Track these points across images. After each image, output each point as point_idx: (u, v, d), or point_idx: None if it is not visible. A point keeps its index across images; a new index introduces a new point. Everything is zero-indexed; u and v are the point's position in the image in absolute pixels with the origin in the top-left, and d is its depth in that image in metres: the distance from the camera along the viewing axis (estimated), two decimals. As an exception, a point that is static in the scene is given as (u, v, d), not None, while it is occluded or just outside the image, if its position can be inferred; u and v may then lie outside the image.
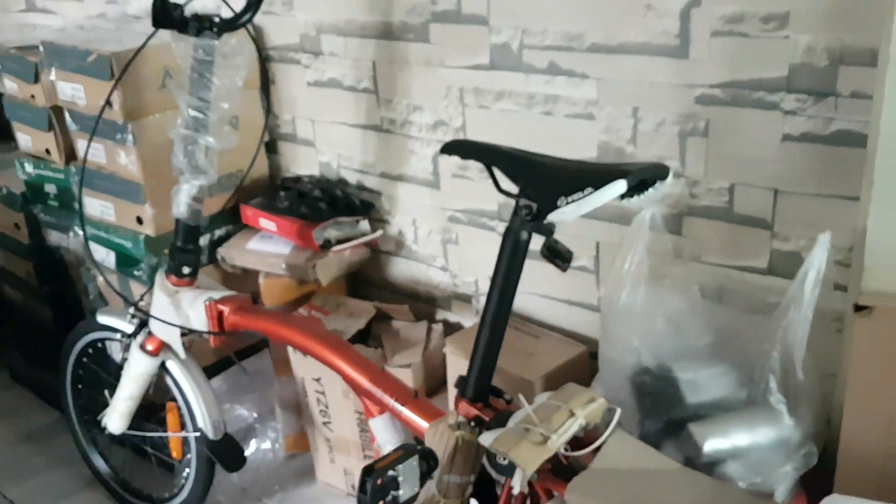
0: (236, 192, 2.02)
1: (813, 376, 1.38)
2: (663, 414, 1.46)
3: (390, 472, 1.24)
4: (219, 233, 2.14)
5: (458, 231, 1.95)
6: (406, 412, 1.45)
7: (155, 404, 1.96)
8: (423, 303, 2.10)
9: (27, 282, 2.47)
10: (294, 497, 2.08)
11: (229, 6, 1.69)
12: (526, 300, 1.87)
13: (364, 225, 2.04)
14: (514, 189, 1.24)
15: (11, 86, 2.22)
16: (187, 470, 1.93)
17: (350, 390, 1.61)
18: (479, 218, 1.89)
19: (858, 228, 1.27)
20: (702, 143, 1.49)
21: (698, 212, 1.54)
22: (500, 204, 1.84)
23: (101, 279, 2.17)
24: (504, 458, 1.23)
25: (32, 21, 2.84)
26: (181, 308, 1.73)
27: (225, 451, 1.86)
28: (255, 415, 2.11)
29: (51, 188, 2.26)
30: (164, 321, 1.74)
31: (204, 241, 2.08)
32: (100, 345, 2.00)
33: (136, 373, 1.83)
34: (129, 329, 1.84)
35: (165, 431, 1.91)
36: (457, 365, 1.77)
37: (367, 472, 1.22)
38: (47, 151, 2.21)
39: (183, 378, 1.83)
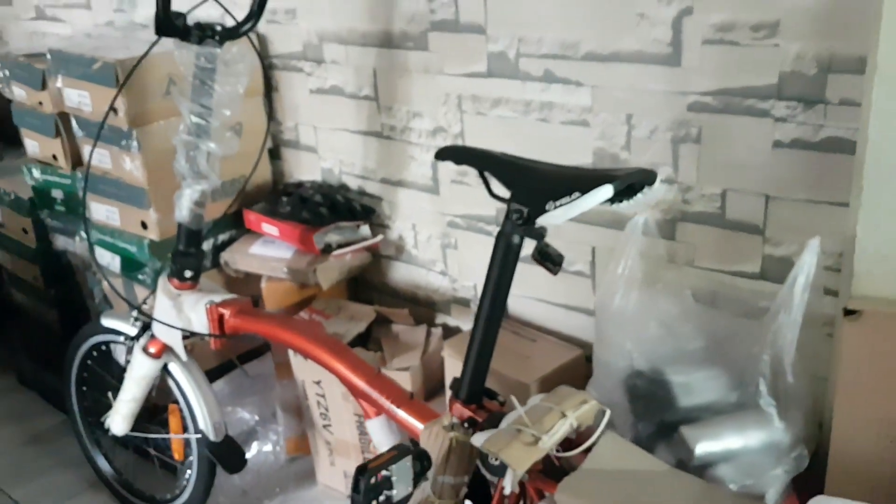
0: (238, 197, 2.05)
1: (803, 380, 1.39)
2: (656, 417, 1.48)
3: (384, 472, 1.27)
4: (222, 237, 2.17)
5: (457, 236, 1.97)
6: (401, 414, 1.48)
7: (158, 406, 1.99)
8: (423, 307, 2.12)
9: (34, 286, 2.51)
10: (294, 499, 2.10)
11: (232, 16, 1.73)
12: (523, 304, 1.90)
13: (365, 230, 2.06)
14: (506, 194, 1.26)
15: (20, 93, 2.26)
16: (189, 471, 1.96)
17: (349, 393, 1.64)
18: (477, 223, 1.91)
19: (848, 234, 1.29)
20: (694, 149, 1.51)
21: (691, 217, 1.56)
22: (498, 209, 1.86)
23: (105, 283, 2.20)
24: (495, 459, 1.25)
25: (42, 29, 2.88)
26: (183, 311, 1.76)
27: (226, 453, 1.89)
28: (256, 417, 2.13)
29: (58, 193, 2.30)
30: (166, 324, 1.77)
31: (208, 245, 2.11)
32: (104, 348, 2.03)
33: (138, 375, 1.86)
34: (133, 332, 1.87)
35: (168, 433, 1.94)
36: (455, 368, 1.79)
37: (361, 471, 1.24)
38: (54, 157, 2.25)
39: (184, 380, 1.85)
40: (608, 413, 1.25)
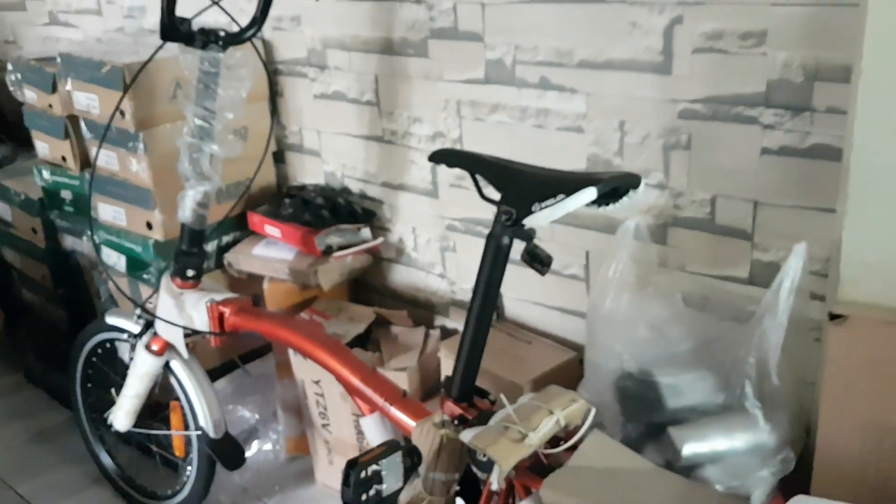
0: (241, 199, 2.09)
1: (789, 383, 1.41)
2: (644, 417, 1.50)
3: (374, 467, 1.29)
4: (226, 239, 2.21)
5: (456, 239, 2.00)
6: (394, 411, 1.51)
7: (160, 404, 2.03)
8: (422, 309, 2.15)
9: (43, 285, 2.55)
10: (293, 498, 2.13)
11: (236, 21, 1.77)
12: (519, 307, 1.93)
13: (365, 232, 2.10)
14: (496, 197, 1.30)
15: (31, 95, 2.31)
16: (189, 468, 1.99)
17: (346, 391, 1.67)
18: (475, 226, 1.95)
19: (834, 240, 1.31)
20: (685, 155, 1.54)
21: (682, 222, 1.58)
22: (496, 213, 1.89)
23: (110, 282, 2.24)
24: (483, 455, 1.28)
25: (55, 34, 2.94)
26: (185, 309, 1.80)
27: (225, 450, 1.92)
28: (256, 416, 2.17)
29: (66, 194, 2.34)
30: (168, 321, 1.81)
31: (212, 246, 2.16)
32: (108, 345, 2.07)
33: (141, 372, 1.90)
34: (136, 330, 1.91)
35: (169, 430, 1.98)
36: (451, 369, 1.82)
37: (351, 465, 1.27)
38: (63, 159, 2.29)
39: (186, 378, 1.89)
40: (593, 411, 1.28)
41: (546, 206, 1.17)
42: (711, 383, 1.45)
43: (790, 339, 1.40)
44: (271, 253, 2.11)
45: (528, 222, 1.22)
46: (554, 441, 1.31)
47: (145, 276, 2.14)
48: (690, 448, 1.43)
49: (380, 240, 2.11)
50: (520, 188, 1.22)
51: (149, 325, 1.89)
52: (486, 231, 1.91)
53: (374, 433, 1.56)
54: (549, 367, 1.74)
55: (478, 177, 1.31)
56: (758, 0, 1.37)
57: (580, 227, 1.74)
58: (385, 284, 2.22)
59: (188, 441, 1.97)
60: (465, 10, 1.76)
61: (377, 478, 1.30)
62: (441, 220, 2.01)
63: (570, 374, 1.76)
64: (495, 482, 1.26)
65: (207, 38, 1.62)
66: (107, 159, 2.07)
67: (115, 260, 2.21)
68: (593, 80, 1.62)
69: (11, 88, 2.36)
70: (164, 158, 1.99)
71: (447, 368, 1.85)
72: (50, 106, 2.26)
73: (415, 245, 2.11)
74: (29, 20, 3.04)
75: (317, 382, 1.98)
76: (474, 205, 1.92)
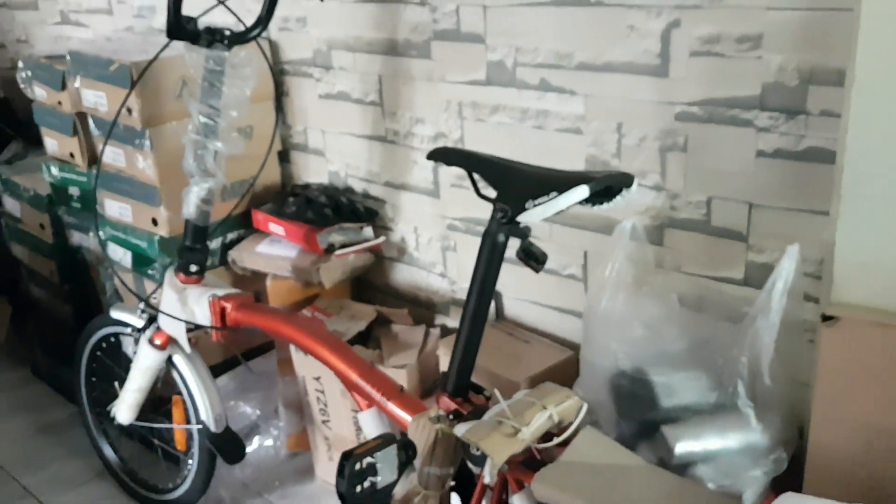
0: (244, 197, 2.11)
1: (781, 383, 1.43)
2: (638, 416, 1.52)
3: (368, 459, 1.31)
4: (231, 236, 2.23)
5: (457, 239, 2.02)
6: (391, 406, 1.53)
7: (163, 398, 2.05)
8: (423, 308, 2.17)
9: (50, 280, 2.58)
10: (293, 493, 2.15)
11: (241, 21, 1.79)
12: (519, 306, 1.94)
13: (368, 231, 2.12)
14: (493, 195, 1.32)
15: (41, 93, 2.34)
16: (190, 461, 2.01)
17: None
18: (475, 226, 1.97)
19: (828, 242, 1.33)
20: (681, 157, 1.56)
21: (678, 224, 1.60)
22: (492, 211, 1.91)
23: (115, 277, 2.27)
24: (476, 449, 1.30)
25: (66, 33, 2.98)
26: (187, 304, 1.82)
27: (225, 444, 1.94)
28: (258, 412, 2.19)
29: (74, 190, 2.38)
30: (171, 316, 1.83)
31: (216, 243, 2.18)
32: (113, 339, 2.10)
33: (144, 366, 1.92)
34: (140, 324, 1.93)
35: (171, 424, 2.00)
36: (449, 366, 1.84)
37: (346, 456, 1.29)
38: (71, 155, 2.33)
39: (188, 372, 1.91)
40: (585, 406, 1.30)
41: (539, 204, 1.19)
42: (705, 383, 1.47)
43: (784, 341, 1.41)
44: (275, 250, 2.14)
45: (522, 219, 1.24)
46: (548, 437, 1.32)
47: (150, 271, 2.16)
48: (683, 447, 1.44)
49: (381, 239, 2.13)
50: (514, 186, 1.25)
51: (152, 320, 1.91)
52: (487, 231, 1.95)
53: (371, 428, 1.58)
54: (546, 366, 1.76)
55: (475, 175, 1.34)
56: (754, 4, 1.39)
57: (578, 227, 1.76)
58: (386, 283, 2.25)
59: (189, 435, 2.00)
60: (468, 12, 1.78)
61: (372, 470, 1.31)
62: (442, 219, 2.03)
63: (567, 372, 1.78)
64: (487, 475, 1.28)
65: (213, 37, 1.65)
66: (114, 156, 2.10)
67: (120, 256, 2.24)
68: (592, 82, 1.64)
69: (22, 86, 2.40)
70: (171, 156, 2.02)
71: (446, 366, 1.86)
72: (59, 103, 2.29)
73: (416, 244, 2.13)
74: (41, 19, 3.08)
75: (317, 379, 2.00)
76: (475, 205, 1.93)
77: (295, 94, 2.26)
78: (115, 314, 2.00)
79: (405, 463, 1.37)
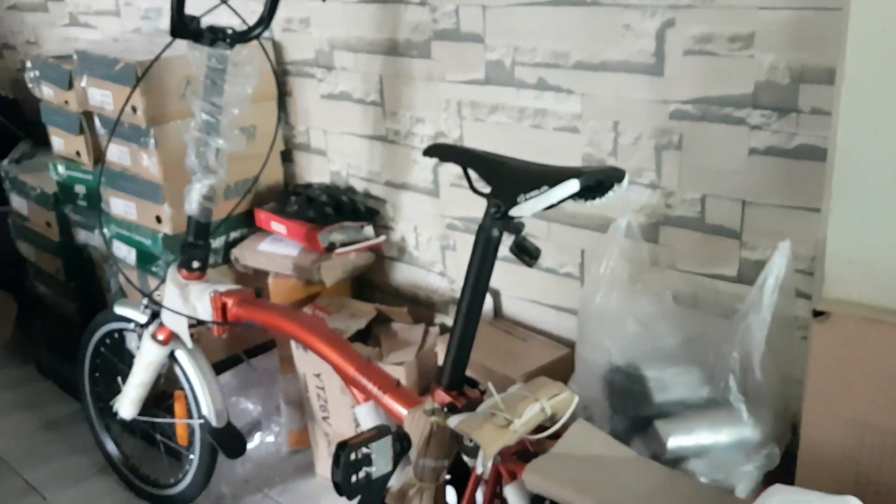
0: (246, 195, 2.14)
1: (774, 379, 1.44)
2: (632, 411, 1.54)
3: (364, 450, 1.32)
4: (234, 235, 2.26)
5: (456, 238, 2.04)
6: (388, 400, 1.54)
7: (166, 394, 2.08)
8: (423, 307, 2.19)
9: (56, 278, 2.61)
10: (293, 490, 2.17)
11: (244, 21, 1.82)
12: (517, 305, 1.96)
13: (368, 230, 2.14)
14: (487, 190, 1.34)
15: (48, 92, 2.38)
16: (192, 456, 2.03)
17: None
18: (474, 226, 1.96)
19: (819, 238, 1.34)
20: (676, 156, 1.57)
21: (673, 221, 1.62)
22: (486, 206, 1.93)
23: (120, 274, 2.30)
24: (470, 440, 1.31)
25: (75, 35, 3.02)
26: (189, 300, 1.85)
27: (227, 438, 1.96)
28: (259, 409, 2.21)
29: (80, 189, 2.41)
30: (173, 311, 1.86)
31: (219, 242, 2.21)
32: (116, 335, 2.12)
33: (146, 361, 1.95)
34: (143, 319, 1.96)
35: (173, 419, 2.02)
36: (446, 362, 1.86)
37: (341, 446, 1.30)
38: (77, 154, 2.36)
39: (190, 367, 1.94)
40: (576, 398, 1.31)
41: (531, 197, 1.21)
42: (697, 377, 1.48)
43: (776, 337, 1.43)
44: (276, 249, 2.16)
45: (515, 213, 1.26)
46: (540, 429, 1.34)
47: (154, 268, 2.19)
48: (675, 441, 1.46)
49: (382, 238, 2.15)
50: (507, 180, 1.26)
51: (155, 316, 1.94)
52: (484, 229, 1.97)
53: (368, 421, 1.59)
54: (542, 363, 1.78)
55: (469, 171, 1.36)
56: (746, 4, 1.41)
57: (576, 226, 1.78)
58: (387, 282, 2.27)
59: (191, 430, 2.02)
60: (467, 12, 1.81)
61: (367, 460, 1.33)
62: (442, 218, 2.05)
63: (563, 369, 1.80)
64: (480, 465, 1.30)
65: (215, 36, 1.68)
66: (119, 154, 2.13)
67: (125, 253, 2.26)
68: (588, 81, 1.66)
69: (30, 85, 2.43)
70: (175, 154, 2.04)
71: (444, 363, 1.89)
72: (66, 102, 2.32)
73: (416, 243, 2.15)
74: (50, 21, 3.12)
75: (318, 376, 2.02)
76: (474, 204, 1.96)
77: (298, 95, 2.29)
78: (119, 310, 2.03)
79: (400, 454, 1.39)
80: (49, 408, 2.60)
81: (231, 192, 2.16)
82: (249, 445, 2.12)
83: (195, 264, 1.87)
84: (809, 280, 1.47)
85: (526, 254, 1.31)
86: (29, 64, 2.41)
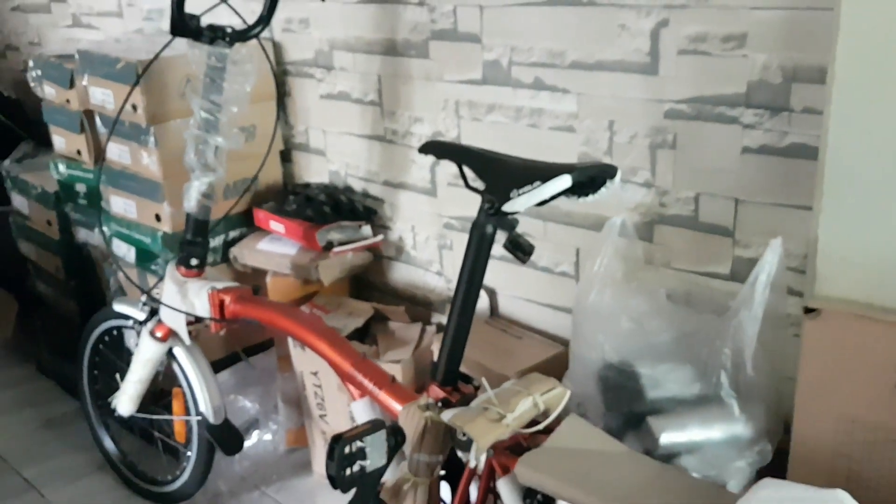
0: (245, 194, 2.15)
1: (766, 376, 1.45)
2: (625, 407, 1.54)
3: (358, 443, 1.33)
4: (233, 234, 2.27)
5: (453, 237, 2.06)
6: (383, 396, 1.56)
7: (164, 391, 2.09)
8: (420, 306, 2.20)
9: (56, 276, 2.62)
10: (290, 487, 2.18)
11: (243, 20, 1.84)
12: (513, 304, 1.97)
13: (366, 229, 2.15)
14: (481, 187, 1.35)
15: (50, 91, 2.40)
16: (189, 453, 2.04)
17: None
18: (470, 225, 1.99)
19: (811, 236, 1.35)
20: (670, 154, 1.59)
21: (667, 220, 1.63)
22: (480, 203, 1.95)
23: (119, 271, 2.31)
24: (463, 434, 1.32)
25: (77, 35, 3.04)
26: (188, 297, 1.86)
27: (224, 435, 1.97)
28: (257, 407, 2.22)
29: (81, 187, 2.42)
30: (171, 308, 1.87)
31: (219, 241, 2.22)
32: (115, 332, 2.14)
33: (145, 357, 1.96)
34: (142, 316, 1.97)
35: (171, 416, 2.03)
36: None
37: (336, 439, 1.32)
38: (78, 152, 2.38)
39: (188, 364, 1.95)
40: (568, 393, 1.32)
41: (523, 193, 1.22)
42: (689, 374, 1.49)
43: (768, 334, 1.43)
44: (275, 248, 2.17)
45: (508, 208, 1.27)
46: (533, 424, 1.35)
47: (153, 267, 2.20)
48: (668, 437, 1.46)
49: (380, 237, 2.17)
50: (500, 176, 1.28)
51: (154, 313, 1.95)
52: (482, 230, 1.98)
53: (364, 417, 1.60)
54: (537, 361, 1.79)
55: (464, 167, 1.37)
56: (739, 4, 1.42)
57: (571, 225, 1.79)
58: (384, 281, 2.28)
59: (189, 427, 2.03)
60: (465, 12, 1.82)
61: (361, 454, 1.34)
62: (439, 218, 2.07)
63: (558, 367, 1.80)
64: (473, 459, 1.31)
65: (215, 34, 1.70)
66: (119, 153, 2.15)
67: (125, 251, 2.28)
68: (584, 80, 1.67)
69: (32, 84, 2.45)
70: (174, 153, 2.05)
71: (441, 362, 1.89)
72: (67, 101, 2.34)
73: (414, 243, 2.16)
74: (53, 22, 3.14)
75: (315, 374, 2.03)
76: (471, 204, 1.97)
77: (297, 95, 2.31)
78: (118, 307, 2.04)
79: (394, 448, 1.40)
80: (49, 406, 2.61)
81: (230, 191, 2.17)
82: (247, 443, 2.13)
83: (193, 261, 1.88)
84: (801, 277, 1.48)
85: (519, 250, 1.32)
86: (31, 63, 2.43)
